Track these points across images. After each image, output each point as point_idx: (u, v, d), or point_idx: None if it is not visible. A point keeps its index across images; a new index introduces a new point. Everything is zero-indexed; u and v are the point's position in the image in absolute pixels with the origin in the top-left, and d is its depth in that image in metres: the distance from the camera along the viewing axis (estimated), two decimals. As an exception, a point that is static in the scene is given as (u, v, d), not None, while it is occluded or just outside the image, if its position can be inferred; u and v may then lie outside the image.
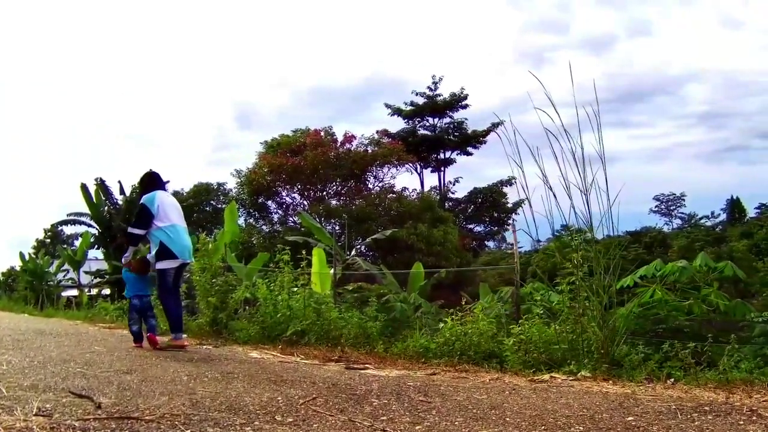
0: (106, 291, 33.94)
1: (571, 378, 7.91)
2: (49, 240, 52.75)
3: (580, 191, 9.30)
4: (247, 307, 14.87)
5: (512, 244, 13.46)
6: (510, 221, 56.57)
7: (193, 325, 14.43)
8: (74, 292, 35.94)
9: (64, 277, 38.20)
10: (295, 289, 13.22)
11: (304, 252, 14.74)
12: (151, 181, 11.42)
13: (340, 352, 10.57)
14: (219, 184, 62.13)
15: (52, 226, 44.34)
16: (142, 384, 6.57)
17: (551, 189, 9.45)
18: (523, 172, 9.60)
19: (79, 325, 17.65)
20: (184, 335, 11.05)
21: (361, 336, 11.82)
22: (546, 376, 8.04)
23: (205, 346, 11.53)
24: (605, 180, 9.19)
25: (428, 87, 59.43)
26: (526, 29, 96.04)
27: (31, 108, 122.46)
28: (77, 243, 42.83)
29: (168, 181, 12.70)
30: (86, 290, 35.74)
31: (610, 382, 7.56)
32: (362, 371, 8.41)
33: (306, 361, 9.42)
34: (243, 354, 10.33)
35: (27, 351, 9.48)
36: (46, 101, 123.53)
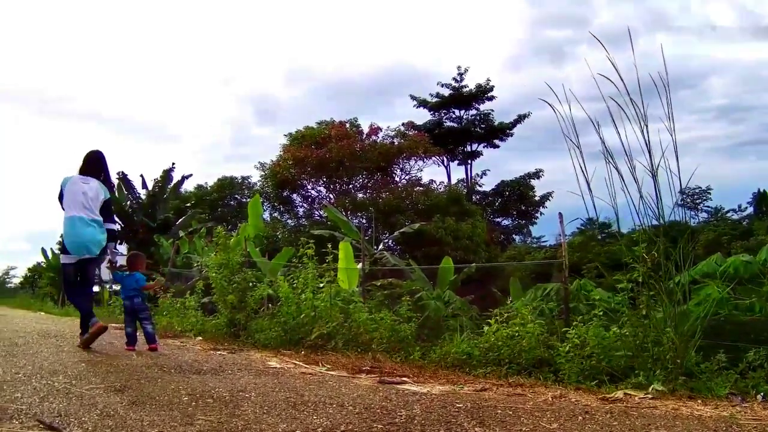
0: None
1: (644, 394, 6.70)
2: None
3: (650, 173, 7.95)
4: (270, 306, 13.74)
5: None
6: (537, 214, 56.11)
7: (209, 326, 13.43)
8: (96, 289, 34.85)
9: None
10: (321, 286, 12.02)
11: (329, 246, 13.31)
12: (82, 164, 10.25)
13: (372, 360, 9.41)
14: (243, 178, 61.36)
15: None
16: (131, 408, 5.34)
17: (617, 170, 8.09)
18: (580, 151, 8.25)
19: (90, 325, 16.22)
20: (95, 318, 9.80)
21: (394, 340, 10.61)
22: (619, 393, 6.75)
23: (219, 352, 10.39)
24: (677, 166, 7.87)
25: (453, 78, 57.80)
26: (544, 22, 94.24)
27: (50, 101, 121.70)
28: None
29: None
30: (108, 286, 34.56)
31: (698, 401, 6.33)
32: (399, 386, 7.21)
33: (333, 373, 8.19)
34: (260, 362, 9.15)
35: (19, 358, 8.35)
36: (65, 93, 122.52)
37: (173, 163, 39.27)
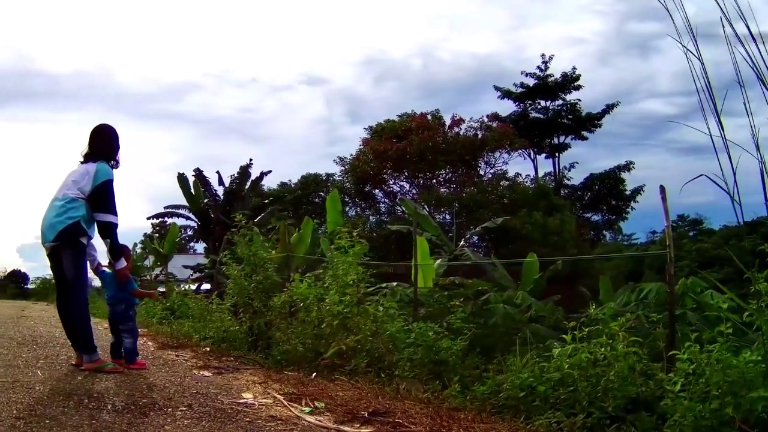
0: (206, 286, 30.86)
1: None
2: (157, 234, 50.65)
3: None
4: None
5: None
6: (628, 209, 53.17)
7: (231, 333, 11.19)
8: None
9: (161, 272, 35.19)
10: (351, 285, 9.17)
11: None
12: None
13: (392, 393, 6.67)
14: (327, 175, 60.10)
15: (147, 219, 42.06)
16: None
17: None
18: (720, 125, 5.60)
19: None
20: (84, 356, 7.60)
21: (431, 363, 7.82)
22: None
23: (204, 372, 8.19)
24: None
25: (538, 67, 55.30)
26: (629, 16, 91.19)
27: (142, 102, 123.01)
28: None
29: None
30: (180, 285, 32.74)
31: None
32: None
33: (311, 419, 5.49)
34: (235, 392, 6.69)
35: None
36: (144, 93, 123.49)
37: (250, 160, 37.90)
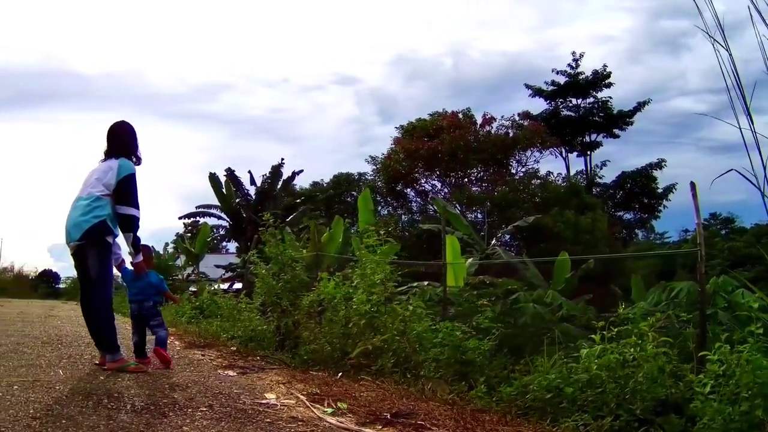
0: (238, 285, 30.88)
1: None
2: (189, 234, 50.83)
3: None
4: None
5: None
6: (660, 207, 52.70)
7: (259, 332, 11.20)
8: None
9: (192, 271, 35.18)
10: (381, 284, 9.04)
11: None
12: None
13: (417, 393, 6.57)
14: (360, 174, 60.57)
15: (179, 218, 42.22)
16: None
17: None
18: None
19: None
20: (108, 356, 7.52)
21: (457, 363, 7.69)
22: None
23: (228, 371, 8.09)
24: None
25: (568, 65, 54.88)
26: (658, 13, 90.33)
27: (170, 103, 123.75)
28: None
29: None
30: (211, 285, 32.80)
31: None
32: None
33: (332, 421, 5.36)
34: (258, 392, 6.58)
35: None
36: (175, 93, 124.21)
37: (282, 159, 37.84)
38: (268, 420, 5.27)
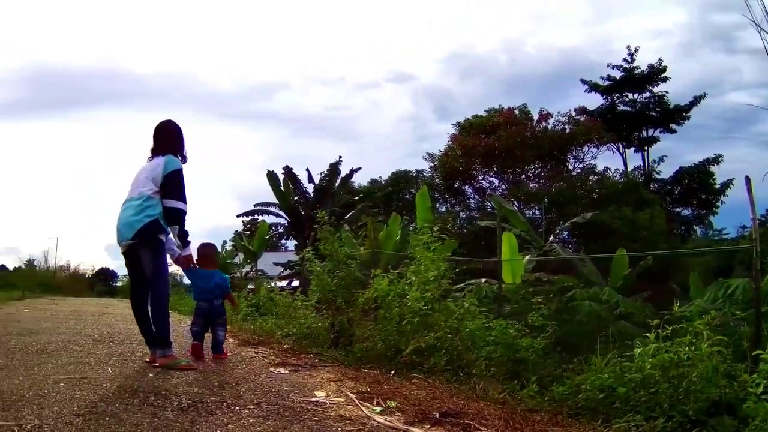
0: (296, 283, 31.02)
1: None
2: (248, 231, 51.15)
3: None
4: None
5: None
6: (718, 203, 51.78)
7: (314, 330, 11.33)
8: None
9: (251, 269, 35.37)
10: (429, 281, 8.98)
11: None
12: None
13: (468, 392, 6.44)
14: (417, 171, 60.23)
15: (237, 216, 42.49)
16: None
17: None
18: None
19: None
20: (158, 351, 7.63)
21: (508, 362, 7.63)
22: None
23: (280, 369, 8.04)
24: None
25: (624, 59, 53.99)
26: (711, 6, 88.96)
27: (227, 102, 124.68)
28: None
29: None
30: (269, 282, 32.91)
31: None
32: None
33: (380, 419, 5.29)
34: (308, 390, 6.54)
35: (19, 371, 6.69)
36: (232, 93, 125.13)
37: (340, 157, 38.02)
38: (316, 418, 5.25)
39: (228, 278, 9.10)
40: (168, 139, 8.00)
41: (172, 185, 7.61)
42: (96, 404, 5.22)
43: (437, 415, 5.38)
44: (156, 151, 7.92)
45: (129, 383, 6.29)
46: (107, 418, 4.74)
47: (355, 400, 6.00)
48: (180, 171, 7.72)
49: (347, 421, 5.20)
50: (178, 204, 7.59)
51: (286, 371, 7.84)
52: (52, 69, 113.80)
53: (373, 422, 5.21)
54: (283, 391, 6.39)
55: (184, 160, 7.98)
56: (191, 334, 8.68)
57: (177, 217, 7.61)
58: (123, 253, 7.76)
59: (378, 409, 5.71)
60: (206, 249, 8.92)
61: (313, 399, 6.06)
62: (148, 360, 7.72)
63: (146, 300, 7.82)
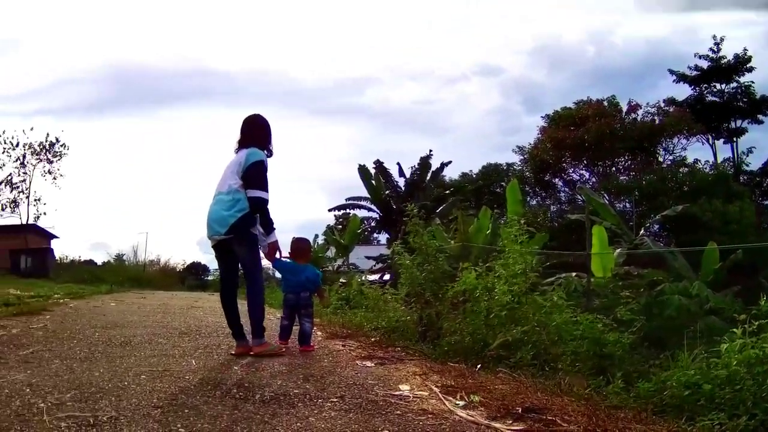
0: (387, 277, 31.14)
1: None
2: (340, 226, 51.47)
3: None
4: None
5: None
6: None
7: (403, 323, 11.17)
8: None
9: (343, 262, 35.59)
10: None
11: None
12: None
13: (553, 387, 6.30)
14: (508, 165, 59.51)
15: (329, 210, 42.68)
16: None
17: None
18: None
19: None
20: (247, 341, 8.01)
21: (595, 357, 7.57)
22: None
23: (366, 362, 7.96)
24: None
25: (710, 49, 53.15)
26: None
27: (305, 97, 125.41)
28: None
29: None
30: (360, 276, 33.08)
31: None
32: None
33: (463, 414, 5.20)
34: (392, 384, 6.48)
35: (101, 363, 6.82)
36: (321, 88, 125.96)
37: (430, 150, 37.94)
38: (398, 412, 5.20)
39: (321, 274, 9.26)
40: (255, 132, 8.18)
41: (254, 176, 7.76)
42: (176, 396, 5.31)
43: (520, 411, 5.30)
44: (242, 144, 8.11)
45: (212, 375, 6.38)
46: (186, 410, 4.81)
47: (439, 394, 5.96)
48: (262, 162, 7.86)
49: (429, 415, 5.18)
50: (261, 193, 7.74)
51: (372, 364, 7.83)
52: (136, 67, 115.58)
53: (455, 416, 5.17)
54: (367, 384, 6.39)
55: (270, 153, 8.14)
56: (280, 328, 8.89)
57: (260, 206, 7.78)
58: (213, 247, 7.99)
59: (461, 403, 5.66)
60: (300, 243, 9.11)
61: (397, 392, 6.05)
62: (233, 353, 7.88)
63: (235, 293, 8.19)
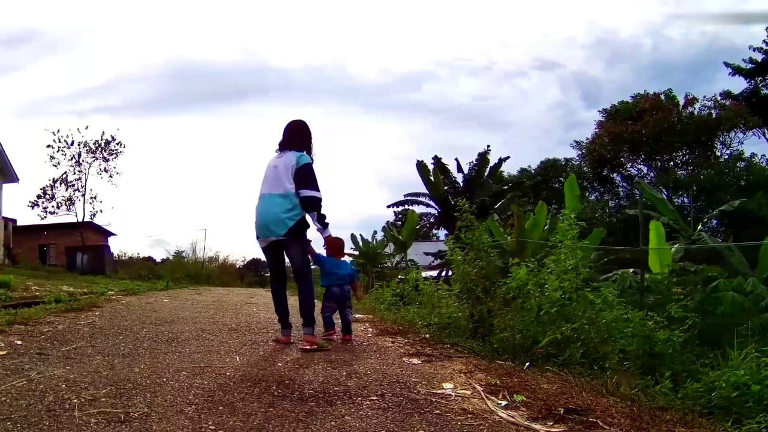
0: (446, 272, 31.00)
1: None
2: (399, 222, 51.39)
3: None
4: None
5: None
6: None
7: (454, 319, 11.09)
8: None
9: (401, 258, 35.44)
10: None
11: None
12: (282, 136, 8.62)
13: (599, 387, 6.05)
14: (566, 160, 58.68)
15: (388, 207, 42.61)
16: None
17: None
18: None
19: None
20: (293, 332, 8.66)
21: (644, 355, 7.34)
22: None
23: (413, 359, 7.80)
24: None
25: (763, 41, 50.74)
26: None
27: (362, 93, 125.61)
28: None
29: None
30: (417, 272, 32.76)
31: None
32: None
33: (503, 414, 5.01)
34: (436, 382, 6.30)
35: (144, 359, 6.86)
36: (378, 84, 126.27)
37: (488, 146, 37.84)
38: (437, 411, 5.06)
39: (357, 269, 9.91)
40: (300, 137, 8.42)
41: (306, 176, 8.00)
42: (213, 393, 5.28)
43: (561, 412, 5.12)
44: (286, 145, 8.33)
45: (254, 372, 6.34)
46: (220, 407, 4.80)
47: (482, 393, 5.78)
48: (311, 164, 8.15)
49: (469, 415, 5.02)
50: (314, 192, 8.00)
51: (419, 362, 7.65)
52: (195, 64, 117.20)
53: (495, 417, 5.01)
54: (410, 382, 6.25)
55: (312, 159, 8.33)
56: (323, 319, 9.20)
57: (315, 205, 8.07)
58: (265, 248, 8.31)
59: (503, 403, 5.48)
60: (337, 242, 9.28)
61: (439, 391, 5.88)
62: (280, 340, 8.43)
63: (285, 289, 8.68)
